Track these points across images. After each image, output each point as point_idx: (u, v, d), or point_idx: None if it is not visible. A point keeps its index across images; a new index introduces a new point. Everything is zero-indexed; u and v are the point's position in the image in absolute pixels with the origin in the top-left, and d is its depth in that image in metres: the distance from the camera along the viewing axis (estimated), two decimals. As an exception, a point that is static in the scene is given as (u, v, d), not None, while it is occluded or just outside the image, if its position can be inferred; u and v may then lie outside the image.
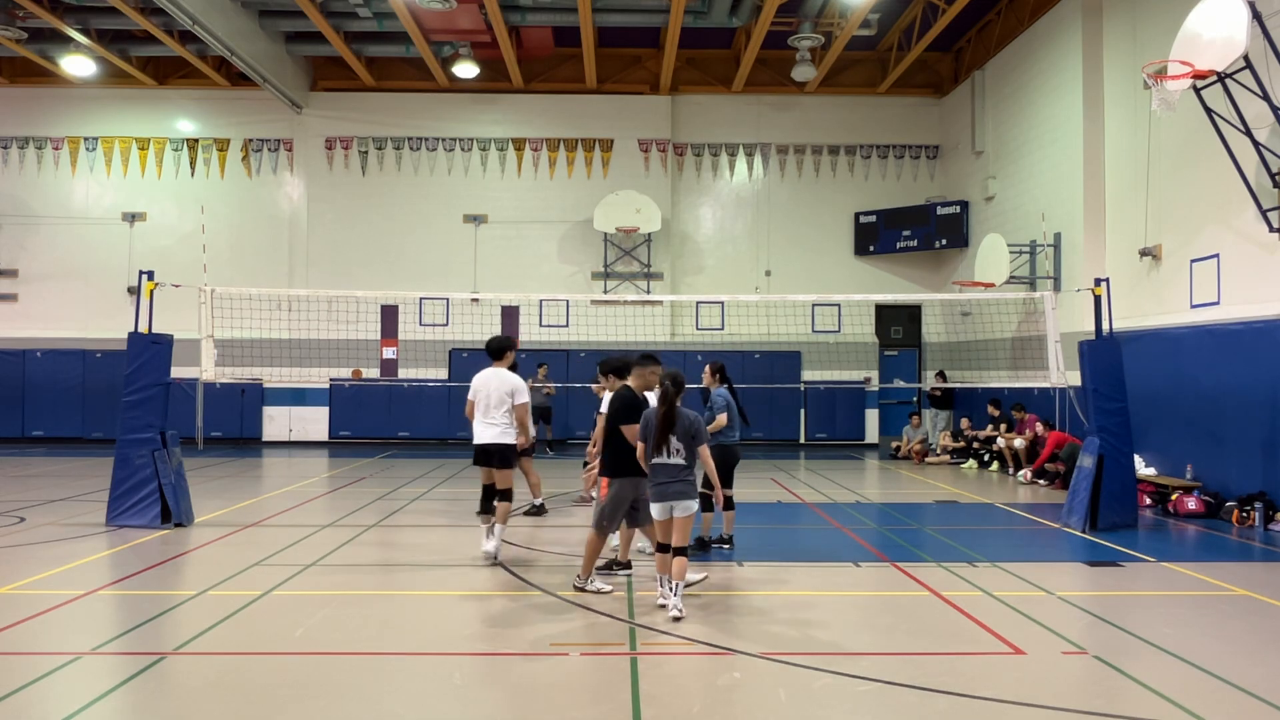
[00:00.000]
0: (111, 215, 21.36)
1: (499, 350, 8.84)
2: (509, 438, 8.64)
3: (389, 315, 20.86)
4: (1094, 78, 15.36)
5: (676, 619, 6.47)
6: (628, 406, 7.29)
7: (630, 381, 7.46)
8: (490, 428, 8.59)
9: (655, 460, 6.76)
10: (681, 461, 6.74)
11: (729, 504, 9.11)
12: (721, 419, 9.00)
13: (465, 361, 20.12)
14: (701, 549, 8.86)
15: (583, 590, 7.34)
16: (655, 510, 6.78)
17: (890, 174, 22.01)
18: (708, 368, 9.40)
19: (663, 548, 6.86)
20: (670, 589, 6.67)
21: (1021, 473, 15.09)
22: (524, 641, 6.15)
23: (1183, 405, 12.70)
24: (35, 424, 20.48)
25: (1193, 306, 12.83)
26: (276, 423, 20.89)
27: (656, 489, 6.74)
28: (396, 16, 17.29)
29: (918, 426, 18.93)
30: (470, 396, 8.74)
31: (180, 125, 21.54)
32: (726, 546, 9.06)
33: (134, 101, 21.39)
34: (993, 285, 16.74)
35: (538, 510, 11.14)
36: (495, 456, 8.62)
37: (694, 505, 6.70)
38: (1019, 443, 15.70)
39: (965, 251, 19.99)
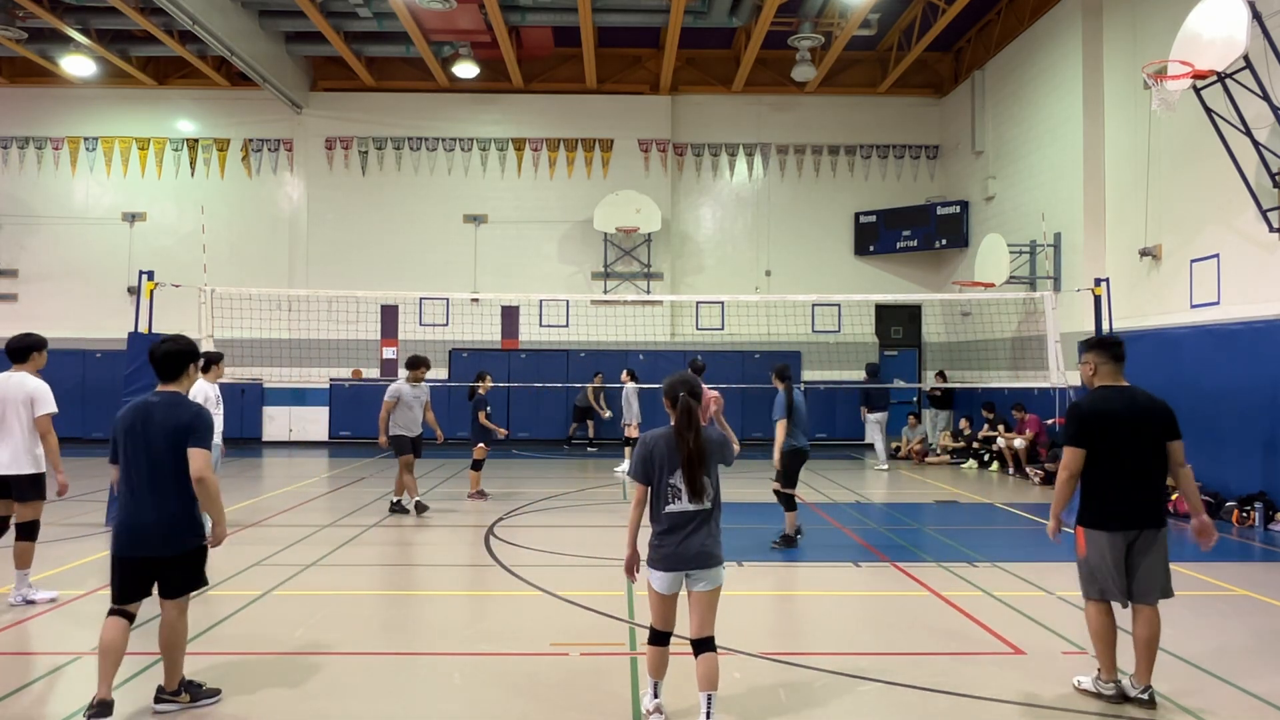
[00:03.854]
0: (111, 215, 21.35)
1: (24, 350, 6.91)
2: (37, 464, 6.85)
3: (389, 315, 20.85)
4: (1094, 78, 15.35)
5: None
6: (1088, 415, 5.30)
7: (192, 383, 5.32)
8: (7, 451, 6.73)
9: (670, 508, 4.53)
10: (707, 505, 4.56)
11: (792, 503, 9.49)
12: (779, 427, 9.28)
13: (465, 361, 20.11)
14: (789, 544, 9.26)
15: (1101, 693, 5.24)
16: (660, 581, 4.53)
17: (890, 174, 21.99)
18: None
19: (658, 637, 4.66)
20: (706, 705, 4.41)
21: (1033, 473, 15.03)
22: (524, 641, 6.15)
23: (1182, 405, 12.50)
24: (35, 424, 20.45)
25: (1193, 306, 12.83)
26: (276, 423, 20.88)
27: (668, 549, 4.51)
28: (396, 16, 17.28)
29: (914, 426, 18.94)
30: None
31: (180, 125, 21.53)
32: (776, 544, 9.32)
33: (134, 101, 21.39)
34: (993, 285, 16.74)
35: (420, 508, 11.26)
36: (16, 487, 6.82)
37: (723, 573, 4.60)
38: (1019, 443, 15.69)
39: (965, 251, 19.98)
